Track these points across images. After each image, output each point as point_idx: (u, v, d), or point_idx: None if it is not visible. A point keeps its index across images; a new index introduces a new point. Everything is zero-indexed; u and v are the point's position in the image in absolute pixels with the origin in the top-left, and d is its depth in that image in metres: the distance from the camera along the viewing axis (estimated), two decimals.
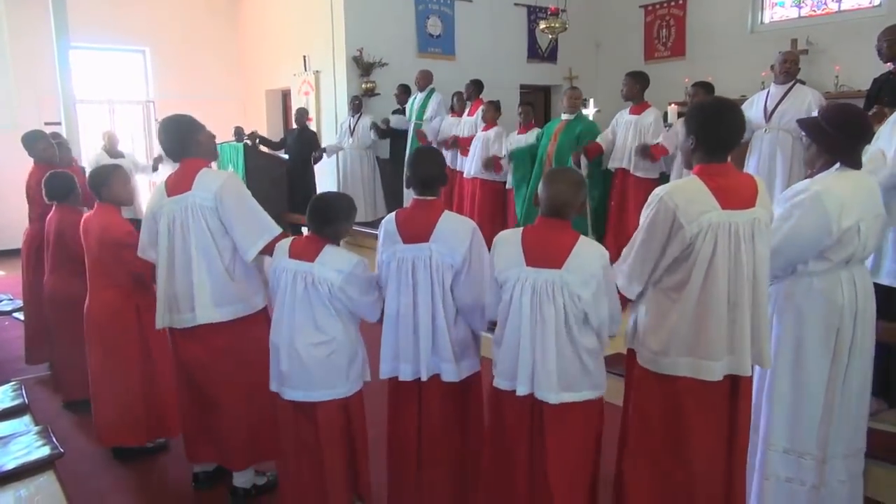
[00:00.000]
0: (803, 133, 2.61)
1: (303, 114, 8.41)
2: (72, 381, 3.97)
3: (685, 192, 2.24)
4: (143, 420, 3.44)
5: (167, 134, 2.94)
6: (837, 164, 2.48)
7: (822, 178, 2.47)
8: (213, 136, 3.11)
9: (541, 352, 2.24)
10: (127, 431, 3.45)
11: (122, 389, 3.40)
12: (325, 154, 8.27)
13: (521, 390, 2.27)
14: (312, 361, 2.57)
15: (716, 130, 2.25)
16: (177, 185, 2.91)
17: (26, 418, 3.13)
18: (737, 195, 2.23)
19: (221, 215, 2.85)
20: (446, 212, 2.60)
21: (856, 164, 2.49)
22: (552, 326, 2.23)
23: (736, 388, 2.34)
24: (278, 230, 2.93)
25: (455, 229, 2.55)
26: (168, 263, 2.92)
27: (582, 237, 2.29)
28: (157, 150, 7.98)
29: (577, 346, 2.26)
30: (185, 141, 2.93)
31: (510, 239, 2.36)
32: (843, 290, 2.47)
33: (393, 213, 2.68)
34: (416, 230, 2.56)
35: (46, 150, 4.73)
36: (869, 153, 3.12)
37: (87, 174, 4.18)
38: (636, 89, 5.72)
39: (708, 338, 2.22)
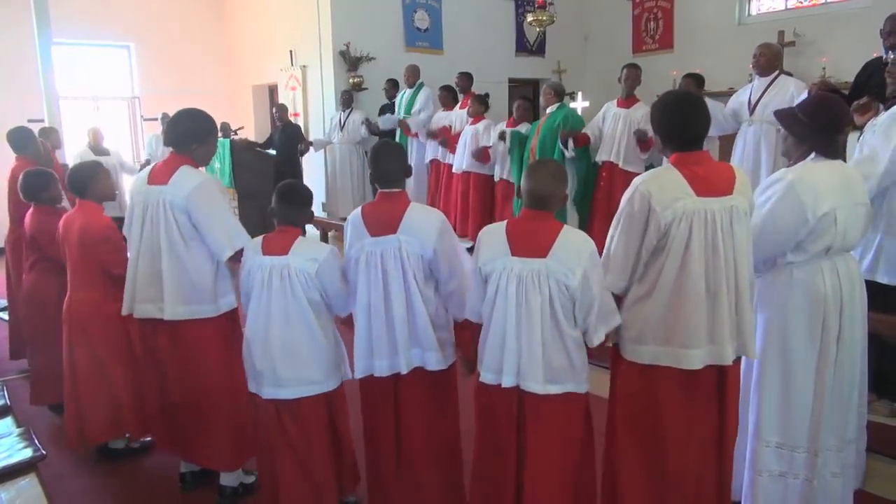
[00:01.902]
0: (780, 125, 2.62)
1: (283, 109, 8.35)
2: (48, 383, 3.82)
3: (659, 179, 2.26)
4: (128, 417, 3.38)
5: (181, 124, 2.92)
6: (813, 154, 2.49)
7: (797, 167, 2.48)
8: (213, 151, 3.08)
9: (527, 341, 2.22)
10: (112, 428, 3.40)
11: (107, 387, 3.35)
12: (312, 147, 8.21)
13: (507, 381, 2.25)
14: (290, 357, 2.55)
15: (676, 126, 2.29)
16: (157, 176, 2.91)
17: (8, 420, 3.07)
18: (712, 183, 2.23)
19: (192, 218, 2.83)
20: (413, 203, 2.58)
21: (833, 153, 2.50)
22: (538, 316, 2.21)
23: (723, 379, 2.33)
24: (246, 239, 2.86)
25: (423, 221, 2.52)
26: (137, 249, 2.94)
27: (566, 226, 2.28)
28: (143, 149, 7.91)
29: (563, 337, 2.24)
30: (186, 139, 2.91)
31: (495, 231, 2.35)
32: (826, 280, 2.46)
33: (359, 208, 2.66)
34: (382, 223, 2.53)
35: (31, 146, 4.64)
36: (861, 153, 3.11)
37: (53, 172, 4.07)
38: (639, 81, 5.74)
39: (685, 326, 2.22)
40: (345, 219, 2.77)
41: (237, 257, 2.83)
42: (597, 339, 2.29)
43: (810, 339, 2.48)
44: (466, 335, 2.56)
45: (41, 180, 3.84)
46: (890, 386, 3.35)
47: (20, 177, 3.90)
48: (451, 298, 2.58)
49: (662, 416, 2.30)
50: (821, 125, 2.47)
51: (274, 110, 8.57)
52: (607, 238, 2.35)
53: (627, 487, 2.37)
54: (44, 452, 2.72)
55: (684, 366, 2.24)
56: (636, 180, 2.29)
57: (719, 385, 2.34)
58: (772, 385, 2.53)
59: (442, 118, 7.62)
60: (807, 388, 2.50)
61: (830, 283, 2.47)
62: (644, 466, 2.35)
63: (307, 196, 2.73)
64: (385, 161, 2.60)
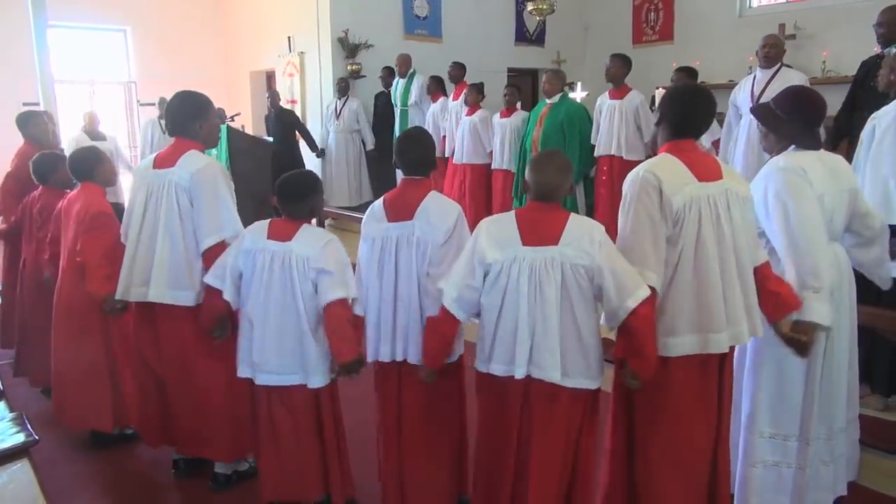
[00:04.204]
0: (758, 122, 2.61)
1: (275, 96, 8.31)
2: (46, 368, 3.75)
3: (664, 166, 2.25)
4: (108, 405, 3.36)
5: (176, 107, 2.94)
6: (792, 147, 2.51)
7: (782, 157, 2.49)
8: (218, 126, 3.10)
9: (542, 330, 2.19)
10: (92, 416, 3.39)
11: (86, 372, 3.34)
12: (324, 152, 8.25)
13: (520, 373, 2.23)
14: (285, 344, 2.55)
15: (686, 114, 2.30)
16: (164, 161, 2.92)
17: (0, 405, 3.06)
18: (707, 168, 2.26)
19: (192, 197, 2.83)
20: (433, 191, 2.56)
21: (813, 145, 2.51)
22: (554, 305, 2.18)
23: (723, 362, 2.35)
24: (235, 233, 2.82)
25: (440, 209, 2.51)
26: (137, 234, 2.92)
27: (573, 214, 2.28)
28: (140, 134, 7.83)
29: (578, 327, 2.22)
30: (187, 121, 2.92)
31: (503, 221, 2.31)
32: None
33: (382, 197, 2.66)
34: (402, 208, 2.53)
35: (38, 129, 4.61)
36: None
37: (65, 155, 4.05)
38: (623, 72, 5.69)
39: (710, 310, 2.21)
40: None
41: (213, 254, 2.76)
42: (623, 312, 2.13)
43: None
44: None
45: (51, 163, 3.86)
46: (879, 381, 3.36)
47: (32, 160, 3.90)
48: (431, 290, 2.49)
49: (681, 406, 2.28)
50: (799, 119, 2.49)
51: (267, 96, 8.50)
52: (619, 239, 2.27)
53: (663, 486, 2.32)
54: (36, 437, 2.71)
55: (714, 350, 2.23)
56: (637, 170, 2.26)
57: (720, 368, 2.35)
58: (766, 374, 2.54)
59: (435, 111, 7.57)
60: (798, 377, 2.50)
61: None
62: (676, 462, 2.30)
63: (304, 188, 2.66)
64: (413, 149, 2.59)
